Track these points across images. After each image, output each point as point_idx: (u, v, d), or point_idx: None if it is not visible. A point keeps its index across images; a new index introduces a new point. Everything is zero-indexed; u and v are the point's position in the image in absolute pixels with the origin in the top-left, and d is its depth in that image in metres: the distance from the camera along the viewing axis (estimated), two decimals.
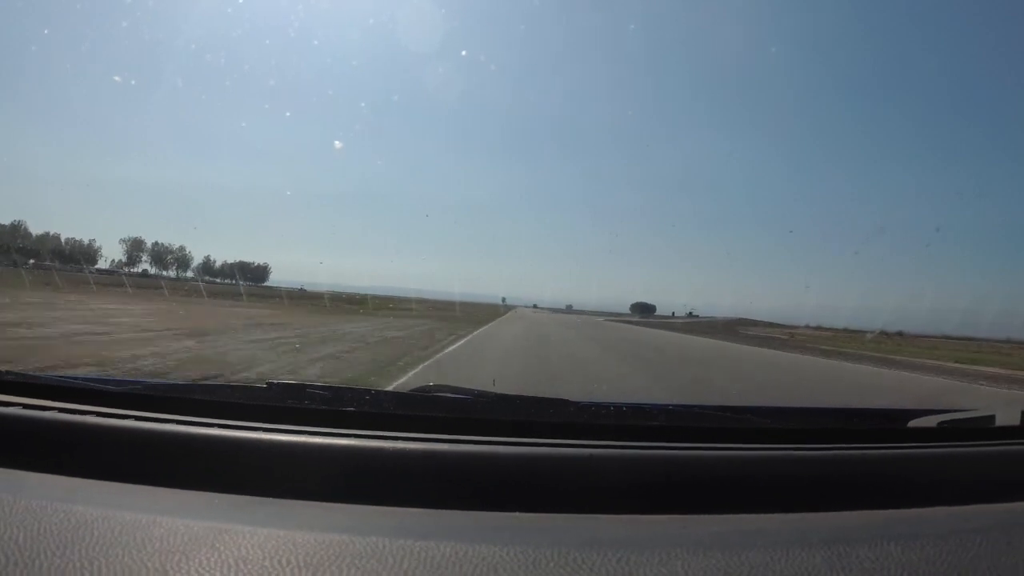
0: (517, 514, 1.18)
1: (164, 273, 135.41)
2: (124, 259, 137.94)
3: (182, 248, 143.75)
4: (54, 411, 1.40)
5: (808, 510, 1.25)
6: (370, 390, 1.64)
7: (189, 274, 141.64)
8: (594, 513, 1.20)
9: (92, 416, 1.39)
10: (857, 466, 1.43)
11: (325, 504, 1.18)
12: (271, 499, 1.19)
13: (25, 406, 1.43)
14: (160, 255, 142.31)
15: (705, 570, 0.96)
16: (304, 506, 1.17)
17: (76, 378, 1.64)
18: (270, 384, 1.63)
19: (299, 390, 1.61)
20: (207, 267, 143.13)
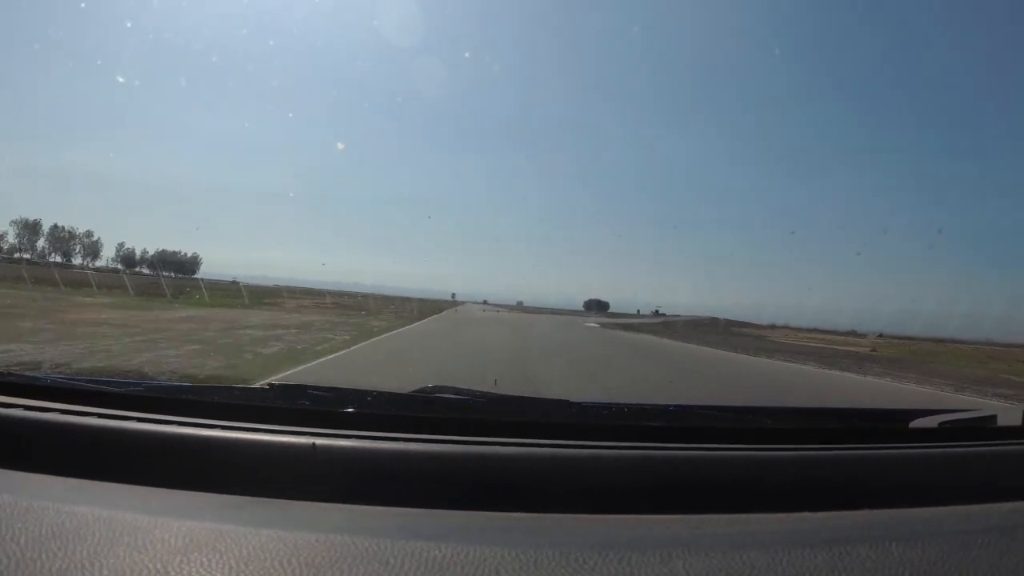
0: (518, 515, 1.18)
1: (71, 261, 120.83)
2: (15, 243, 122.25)
3: (89, 233, 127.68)
4: (55, 412, 1.40)
5: (810, 510, 1.25)
6: (371, 391, 1.63)
7: (113, 264, 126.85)
8: (595, 513, 1.20)
9: (93, 417, 1.39)
10: (859, 466, 1.44)
11: (326, 505, 1.18)
12: (272, 500, 1.19)
13: (26, 407, 1.42)
14: (62, 241, 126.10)
15: (707, 570, 0.97)
16: (305, 507, 1.17)
17: (77, 379, 1.64)
18: (271, 385, 1.63)
19: (299, 391, 1.61)
20: (126, 257, 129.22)
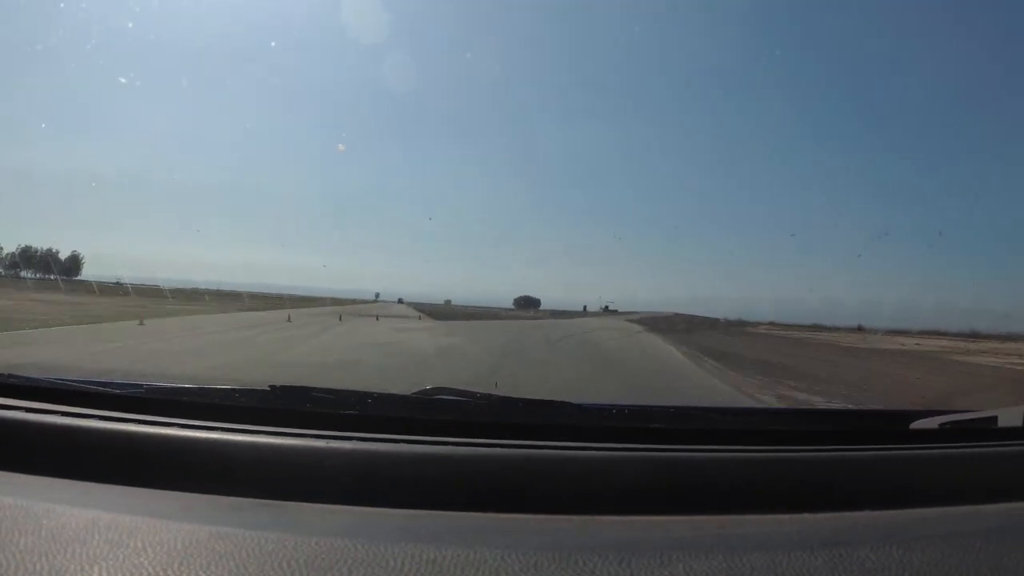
0: (520, 516, 1.18)
1: None
2: None
3: None
4: (57, 414, 1.41)
5: (810, 511, 1.25)
6: (372, 393, 1.63)
7: None
8: (596, 515, 1.20)
9: (95, 419, 1.40)
10: (859, 467, 1.45)
11: (328, 507, 1.19)
12: (273, 502, 1.19)
13: (28, 409, 1.43)
14: None
15: (708, 572, 0.97)
16: (307, 509, 1.17)
17: (79, 381, 1.62)
18: (273, 387, 1.62)
19: (302, 393, 1.61)
20: None
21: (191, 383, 1.66)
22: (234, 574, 0.92)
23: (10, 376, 1.60)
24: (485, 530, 1.12)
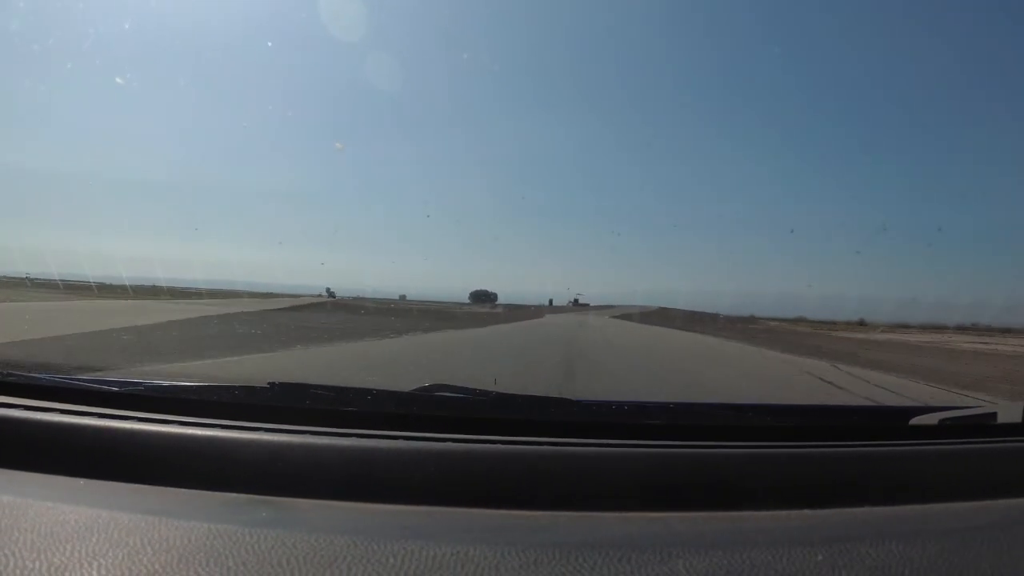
0: (518, 513, 1.18)
1: None
2: None
3: None
4: (56, 412, 1.41)
5: (810, 508, 1.25)
6: (372, 390, 1.63)
7: None
8: (595, 511, 1.20)
9: (94, 417, 1.40)
10: (859, 463, 1.44)
11: (327, 503, 1.19)
12: (273, 498, 1.19)
13: (27, 407, 1.43)
14: None
15: (707, 568, 0.96)
16: (306, 505, 1.17)
17: (78, 379, 1.63)
18: (272, 384, 1.61)
19: (301, 390, 1.61)
20: None
21: (190, 380, 1.65)
22: (233, 571, 0.92)
23: (9, 374, 1.60)
24: (484, 527, 1.12)
